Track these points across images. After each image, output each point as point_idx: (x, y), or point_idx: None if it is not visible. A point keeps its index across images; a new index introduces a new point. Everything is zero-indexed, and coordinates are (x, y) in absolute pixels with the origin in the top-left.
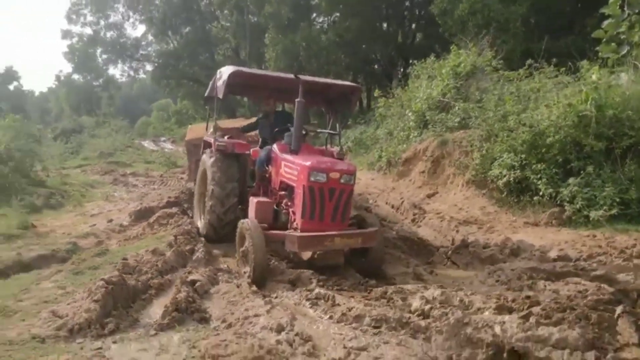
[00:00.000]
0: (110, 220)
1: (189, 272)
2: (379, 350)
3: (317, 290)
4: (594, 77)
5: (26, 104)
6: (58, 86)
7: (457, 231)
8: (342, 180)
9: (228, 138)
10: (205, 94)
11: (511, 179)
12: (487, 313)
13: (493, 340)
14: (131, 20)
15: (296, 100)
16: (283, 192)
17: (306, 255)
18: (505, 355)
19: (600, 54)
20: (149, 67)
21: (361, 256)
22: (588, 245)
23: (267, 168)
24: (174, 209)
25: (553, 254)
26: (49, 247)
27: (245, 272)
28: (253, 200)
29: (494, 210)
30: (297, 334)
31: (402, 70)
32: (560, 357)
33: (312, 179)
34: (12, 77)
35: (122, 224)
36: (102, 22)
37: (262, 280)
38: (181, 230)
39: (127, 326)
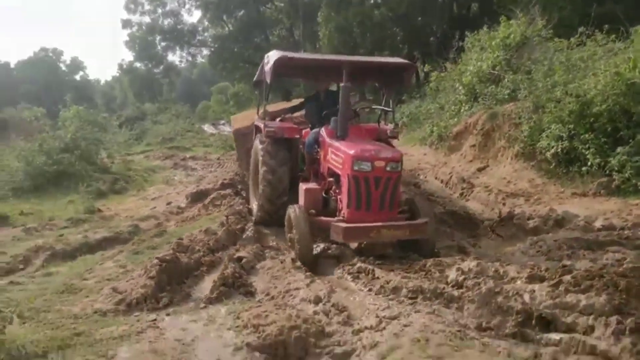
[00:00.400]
0: (169, 203)
1: (237, 250)
2: (409, 318)
3: (358, 264)
4: None
5: (93, 93)
6: (121, 74)
7: (504, 204)
8: (388, 169)
9: (279, 121)
10: (255, 79)
11: (559, 150)
12: (519, 282)
13: (522, 308)
14: (187, 6)
15: (341, 85)
16: (331, 179)
17: (353, 245)
18: (533, 322)
19: None
20: (206, 52)
21: (411, 246)
22: (634, 214)
23: (317, 150)
24: (228, 191)
25: (598, 223)
26: (112, 230)
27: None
28: (302, 187)
29: (542, 182)
30: (333, 305)
31: (457, 43)
32: (586, 322)
33: (356, 168)
34: (77, 67)
35: (180, 206)
36: (159, 10)
37: (309, 264)
38: (232, 211)
39: (180, 300)
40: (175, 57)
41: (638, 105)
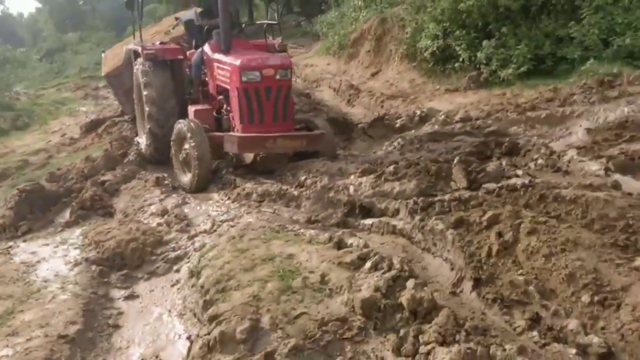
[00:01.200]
0: (64, 135)
1: (103, 174)
2: (241, 220)
3: (225, 177)
4: None
5: (15, 27)
6: (43, 5)
7: (382, 106)
8: (277, 77)
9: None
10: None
11: (436, 48)
12: (352, 177)
13: (348, 200)
14: None
15: None
16: (221, 97)
17: (248, 157)
18: (357, 211)
19: None
20: None
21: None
22: (492, 104)
23: (204, 72)
24: (126, 117)
25: (458, 117)
26: (1, 167)
27: (184, 181)
28: (191, 109)
29: (422, 82)
30: (176, 216)
31: None
32: (394, 207)
33: (244, 79)
34: None
35: (73, 137)
36: None
37: (204, 187)
38: (117, 137)
39: (40, 227)
40: None
41: None
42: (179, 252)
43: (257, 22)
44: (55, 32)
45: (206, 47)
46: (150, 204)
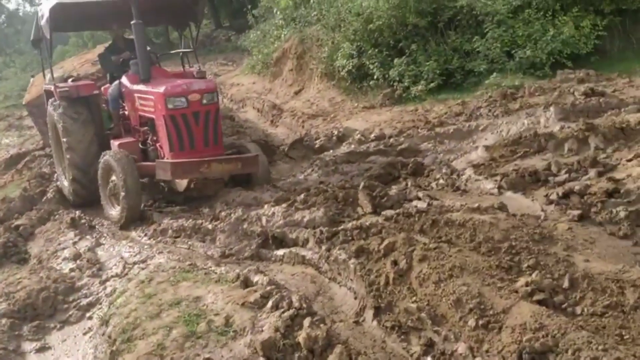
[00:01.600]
0: None
1: (17, 218)
2: (152, 261)
3: (145, 211)
4: None
5: None
6: None
7: (303, 126)
8: (204, 101)
9: (71, 81)
10: (32, 38)
11: (351, 67)
12: (266, 207)
13: (261, 231)
14: None
15: (132, 23)
16: (145, 128)
17: (181, 185)
18: (270, 242)
19: None
20: None
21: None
22: (403, 122)
23: (122, 105)
24: (47, 150)
25: (373, 135)
26: None
27: (112, 214)
28: (115, 143)
29: (341, 100)
30: (88, 260)
31: None
32: (304, 236)
33: (170, 106)
34: None
35: None
36: None
37: (133, 220)
38: (35, 174)
39: None
40: (10, 5)
41: (410, 15)
42: (91, 298)
43: (172, 51)
44: None
45: (124, 80)
46: (63, 248)
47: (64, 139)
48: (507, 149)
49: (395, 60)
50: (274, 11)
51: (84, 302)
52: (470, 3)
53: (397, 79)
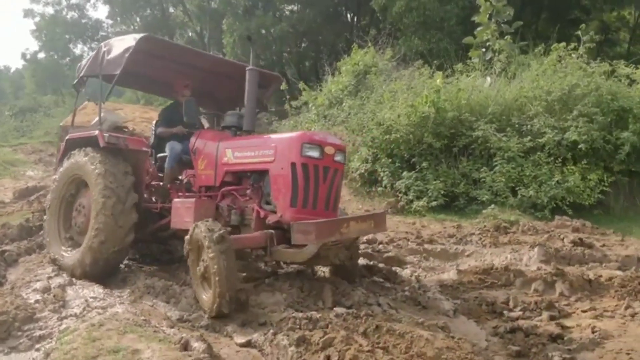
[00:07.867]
0: None
1: (7, 243)
2: (112, 309)
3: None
4: (437, 81)
5: (1, 80)
6: (28, 64)
7: None
8: (337, 158)
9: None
10: (80, 74)
11: (364, 170)
12: None
13: None
14: (92, 1)
15: (247, 69)
16: (228, 187)
17: (306, 253)
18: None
19: (470, 58)
20: None
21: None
22: (397, 231)
23: (177, 167)
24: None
25: (366, 237)
26: None
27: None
28: (184, 202)
29: (348, 199)
30: (54, 295)
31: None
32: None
33: (304, 153)
34: None
35: (3, 201)
36: (64, 2)
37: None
38: (40, 208)
39: None
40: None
41: (428, 135)
42: (44, 331)
43: (223, 124)
44: (34, 91)
45: (201, 136)
46: (37, 280)
47: (99, 194)
48: (477, 276)
49: (405, 173)
50: (310, 106)
51: (37, 333)
52: (486, 136)
53: (403, 190)
